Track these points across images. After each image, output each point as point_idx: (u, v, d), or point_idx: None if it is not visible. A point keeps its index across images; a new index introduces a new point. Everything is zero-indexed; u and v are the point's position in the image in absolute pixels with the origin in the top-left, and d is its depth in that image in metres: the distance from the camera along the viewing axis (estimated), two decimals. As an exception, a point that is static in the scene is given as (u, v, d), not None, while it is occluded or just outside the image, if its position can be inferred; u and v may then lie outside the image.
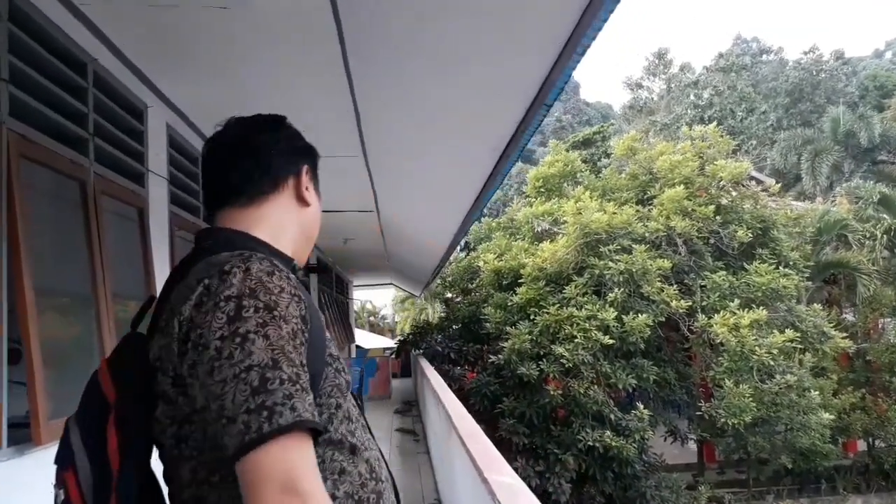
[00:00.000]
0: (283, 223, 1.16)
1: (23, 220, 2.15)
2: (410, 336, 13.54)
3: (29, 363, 2.19)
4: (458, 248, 12.64)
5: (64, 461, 0.98)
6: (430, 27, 3.01)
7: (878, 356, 12.29)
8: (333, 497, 0.92)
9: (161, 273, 3.58)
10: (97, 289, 2.76)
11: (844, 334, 10.16)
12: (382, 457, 1.10)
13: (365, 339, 20.81)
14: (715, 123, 13.13)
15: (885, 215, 13.58)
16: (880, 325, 13.27)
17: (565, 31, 2.78)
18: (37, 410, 2.18)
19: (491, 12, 2.82)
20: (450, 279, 13.33)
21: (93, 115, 2.82)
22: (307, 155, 1.23)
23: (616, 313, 9.01)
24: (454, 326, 12.33)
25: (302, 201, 1.19)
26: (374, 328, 32.09)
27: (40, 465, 2.23)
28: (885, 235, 12.99)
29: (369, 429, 1.09)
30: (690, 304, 9.48)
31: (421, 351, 12.35)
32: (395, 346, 15.10)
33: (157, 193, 3.59)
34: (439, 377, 8.05)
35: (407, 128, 4.63)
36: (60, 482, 0.98)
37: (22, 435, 2.18)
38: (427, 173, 6.06)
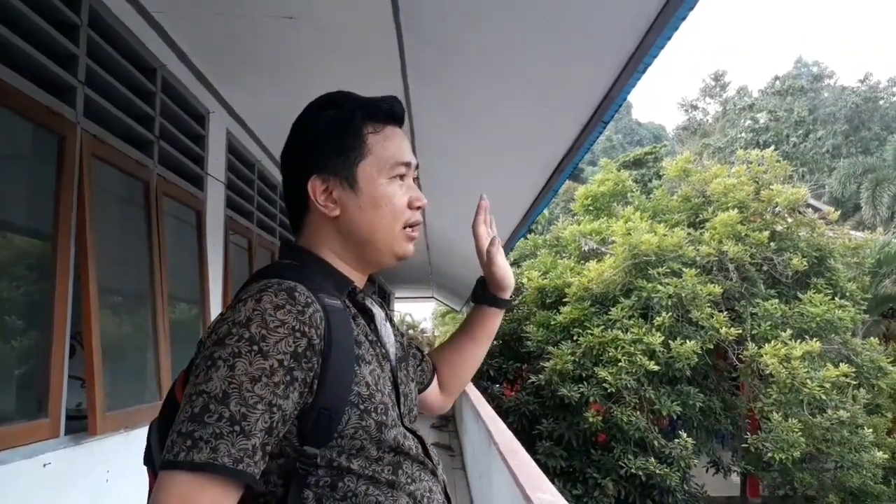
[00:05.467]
0: (322, 236, 1.08)
1: (91, 217, 2.22)
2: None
3: (89, 358, 2.25)
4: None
5: (146, 458, 1.03)
6: (489, 44, 3.01)
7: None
8: None
9: (215, 275, 3.65)
10: (154, 288, 2.82)
11: (902, 371, 9.74)
12: (444, 486, 1.09)
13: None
14: (772, 148, 12.83)
15: (949, 248, 13.05)
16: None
17: (628, 49, 2.75)
18: (94, 403, 2.23)
19: (553, 30, 2.81)
20: (492, 295, 13.23)
21: (159, 118, 2.91)
22: (314, 155, 1.06)
23: (663, 338, 8.82)
24: (494, 342, 12.21)
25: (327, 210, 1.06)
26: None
27: (95, 454, 2.30)
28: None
29: (430, 456, 1.07)
30: (740, 331, 9.21)
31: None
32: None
33: (215, 197, 3.67)
34: (478, 392, 7.99)
35: (460, 143, 4.65)
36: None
37: (76, 426, 2.24)
38: (478, 188, 6.06)
